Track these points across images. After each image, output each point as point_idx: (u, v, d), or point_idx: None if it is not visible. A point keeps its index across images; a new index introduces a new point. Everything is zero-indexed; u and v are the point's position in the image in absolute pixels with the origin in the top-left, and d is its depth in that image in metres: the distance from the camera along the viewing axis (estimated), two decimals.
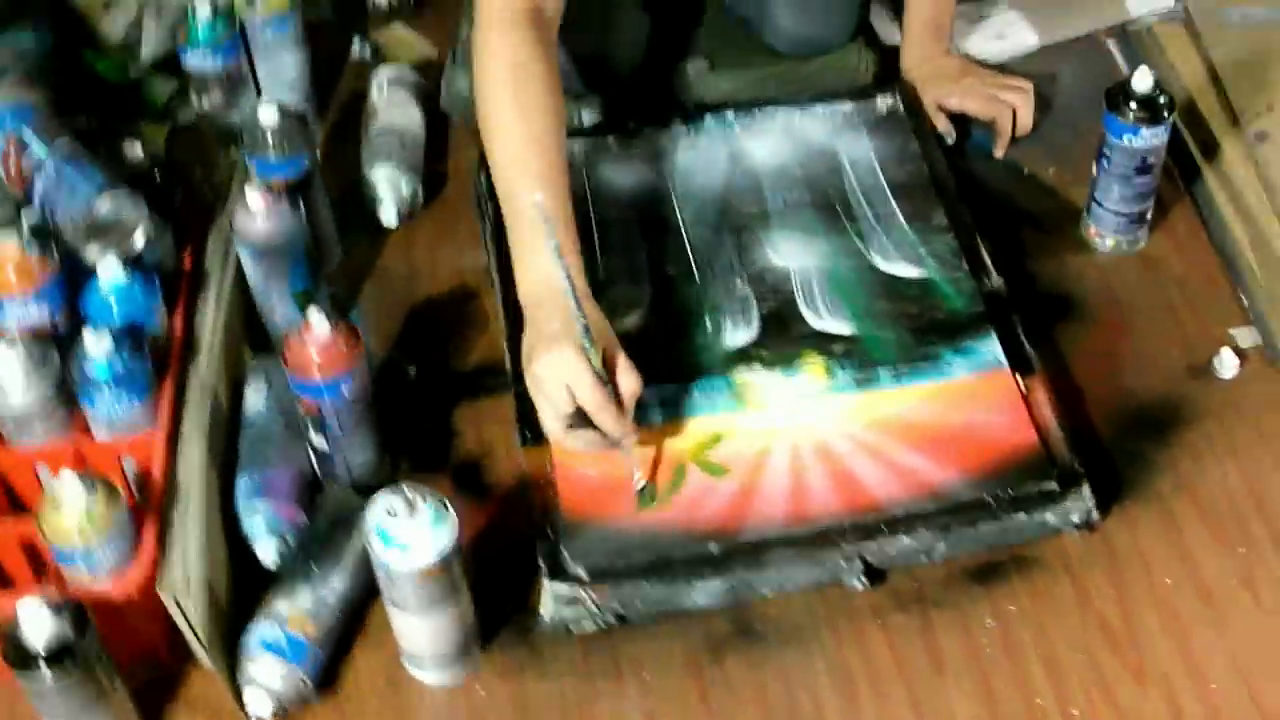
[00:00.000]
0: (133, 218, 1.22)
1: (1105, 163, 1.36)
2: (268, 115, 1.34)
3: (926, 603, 1.18)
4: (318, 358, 1.16)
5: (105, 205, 1.20)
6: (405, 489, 1.06)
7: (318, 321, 1.16)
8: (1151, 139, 1.32)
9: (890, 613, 1.17)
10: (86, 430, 1.20)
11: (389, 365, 1.36)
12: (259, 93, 1.54)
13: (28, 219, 1.24)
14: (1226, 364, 1.31)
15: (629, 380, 1.18)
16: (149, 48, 1.65)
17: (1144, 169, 1.35)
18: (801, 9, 1.49)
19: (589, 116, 1.53)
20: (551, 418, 1.18)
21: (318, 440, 1.22)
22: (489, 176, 1.31)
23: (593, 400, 1.16)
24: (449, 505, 1.07)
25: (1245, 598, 1.17)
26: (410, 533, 1.05)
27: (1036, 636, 1.15)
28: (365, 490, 1.15)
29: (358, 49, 1.68)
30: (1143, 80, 1.31)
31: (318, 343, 1.16)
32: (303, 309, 1.32)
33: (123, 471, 1.19)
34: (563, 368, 1.16)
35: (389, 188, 1.47)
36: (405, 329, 1.40)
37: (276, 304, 1.33)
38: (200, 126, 1.53)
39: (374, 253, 1.47)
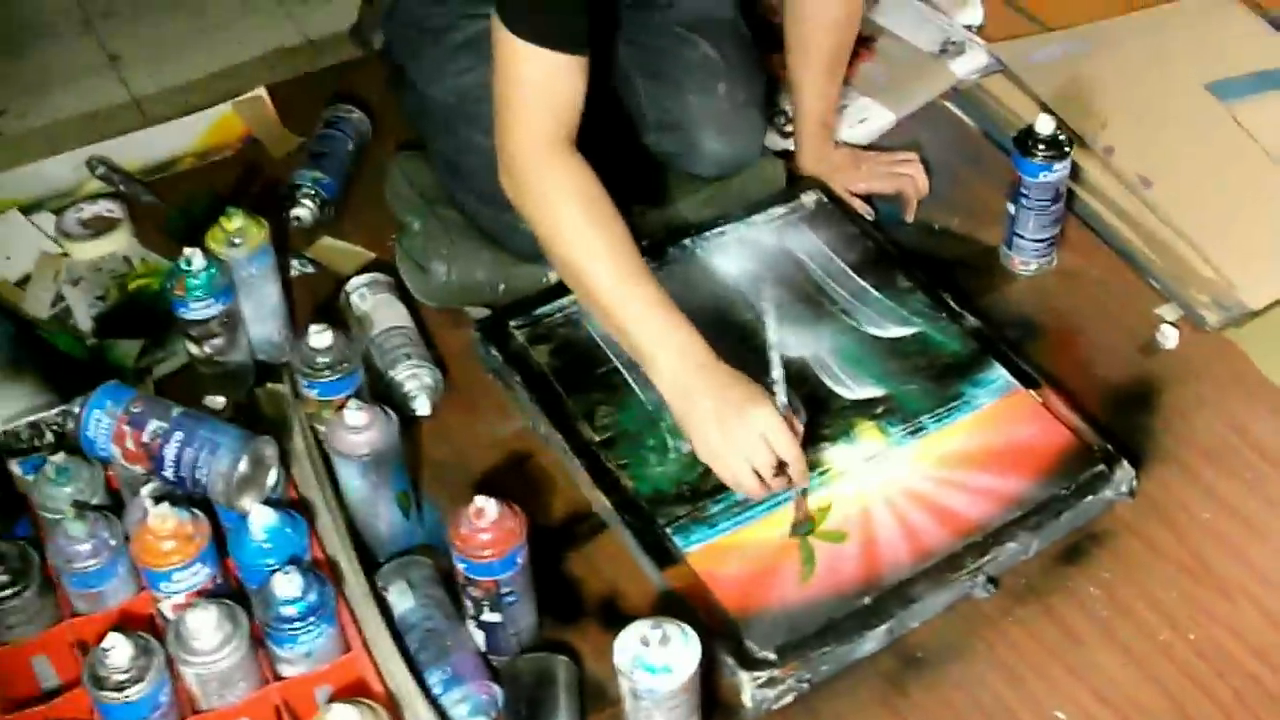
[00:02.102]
0: (269, 460, 1.34)
1: (1024, 200, 1.69)
2: (321, 339, 1.49)
3: (1039, 592, 1.45)
4: (493, 537, 1.32)
5: (252, 455, 1.32)
6: (647, 623, 1.24)
7: (487, 505, 1.32)
8: (1061, 171, 1.67)
9: (1015, 609, 1.43)
10: (274, 672, 1.31)
11: None
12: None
13: (157, 488, 1.34)
14: (1169, 337, 1.66)
15: (796, 425, 1.43)
16: (81, 316, 1.75)
17: (1056, 199, 1.69)
18: (721, 132, 1.75)
19: (553, 276, 1.74)
20: (747, 474, 1.42)
21: (491, 616, 1.37)
22: (494, 339, 1.52)
23: (795, 452, 1.41)
24: (685, 625, 1.25)
25: (1267, 508, 1.51)
26: (668, 656, 1.23)
27: (1134, 590, 1.44)
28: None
29: (298, 267, 1.82)
30: (1045, 125, 1.66)
31: (491, 523, 1.32)
32: (404, 509, 1.48)
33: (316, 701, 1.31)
34: (763, 423, 1.41)
35: (416, 383, 1.62)
36: None
37: (382, 510, 1.46)
38: (204, 370, 1.63)
39: (415, 444, 1.62)
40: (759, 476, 1.44)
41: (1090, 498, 1.48)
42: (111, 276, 1.81)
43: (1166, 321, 1.68)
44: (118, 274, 1.82)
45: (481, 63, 1.67)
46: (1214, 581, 1.45)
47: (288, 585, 1.27)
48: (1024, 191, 1.68)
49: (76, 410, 1.43)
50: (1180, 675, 1.38)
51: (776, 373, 1.48)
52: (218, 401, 1.45)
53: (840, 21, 1.73)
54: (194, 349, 1.62)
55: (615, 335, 1.51)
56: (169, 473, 1.34)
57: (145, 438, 1.34)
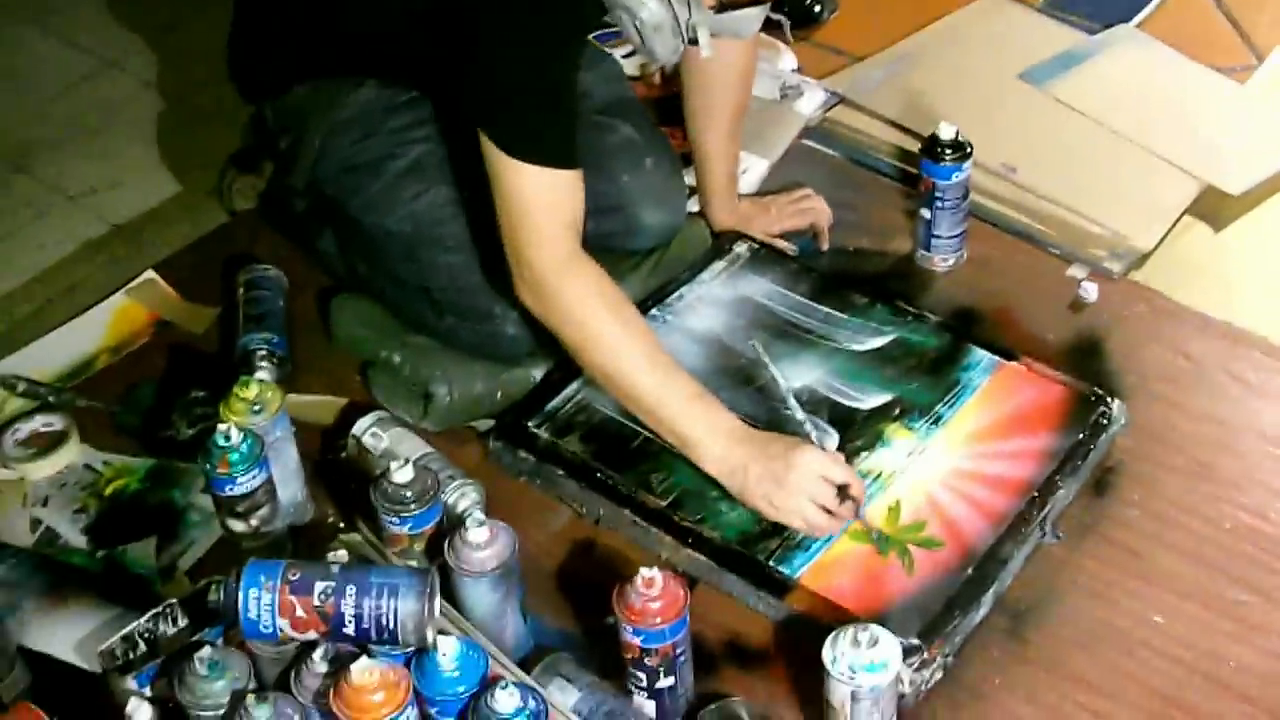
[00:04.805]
0: (437, 590, 1.44)
1: (938, 203, 1.97)
2: (404, 475, 1.59)
3: (1090, 526, 1.72)
4: (663, 604, 1.46)
5: (432, 589, 1.41)
6: (848, 630, 1.42)
7: (655, 574, 1.46)
8: (968, 170, 1.96)
9: (1079, 545, 1.69)
10: None
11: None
12: None
13: (327, 650, 1.42)
14: (1090, 291, 1.98)
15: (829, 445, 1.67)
16: (70, 534, 1.76)
17: (964, 196, 1.98)
18: (658, 204, 1.95)
19: (538, 373, 1.89)
20: (817, 515, 1.62)
21: (665, 681, 1.50)
22: (518, 443, 1.74)
23: (849, 474, 1.62)
24: (873, 625, 1.44)
25: (1234, 410, 1.85)
26: (879, 653, 1.41)
27: (1161, 501, 1.74)
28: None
29: None
30: (947, 130, 1.95)
31: (662, 591, 1.46)
32: (525, 614, 1.60)
33: None
34: (811, 464, 1.61)
35: (468, 500, 1.72)
36: (578, 599, 1.68)
37: (509, 620, 1.57)
38: (248, 545, 1.68)
39: None
40: (827, 511, 1.64)
41: (1104, 435, 1.76)
42: (80, 488, 1.82)
43: (1083, 279, 2.00)
44: (85, 484, 1.83)
45: (430, 185, 1.83)
46: (1217, 475, 1.77)
47: (509, 700, 1.37)
48: (938, 195, 1.97)
49: (174, 610, 1.48)
50: (1227, 556, 1.68)
51: (800, 414, 1.70)
52: (341, 555, 1.52)
53: (741, 79, 1.97)
54: (239, 525, 1.67)
55: (654, 426, 1.70)
56: (349, 629, 1.40)
57: (316, 601, 1.40)
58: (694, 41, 1.62)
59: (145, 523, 1.77)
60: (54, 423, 1.88)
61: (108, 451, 1.86)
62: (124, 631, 1.52)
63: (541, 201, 1.64)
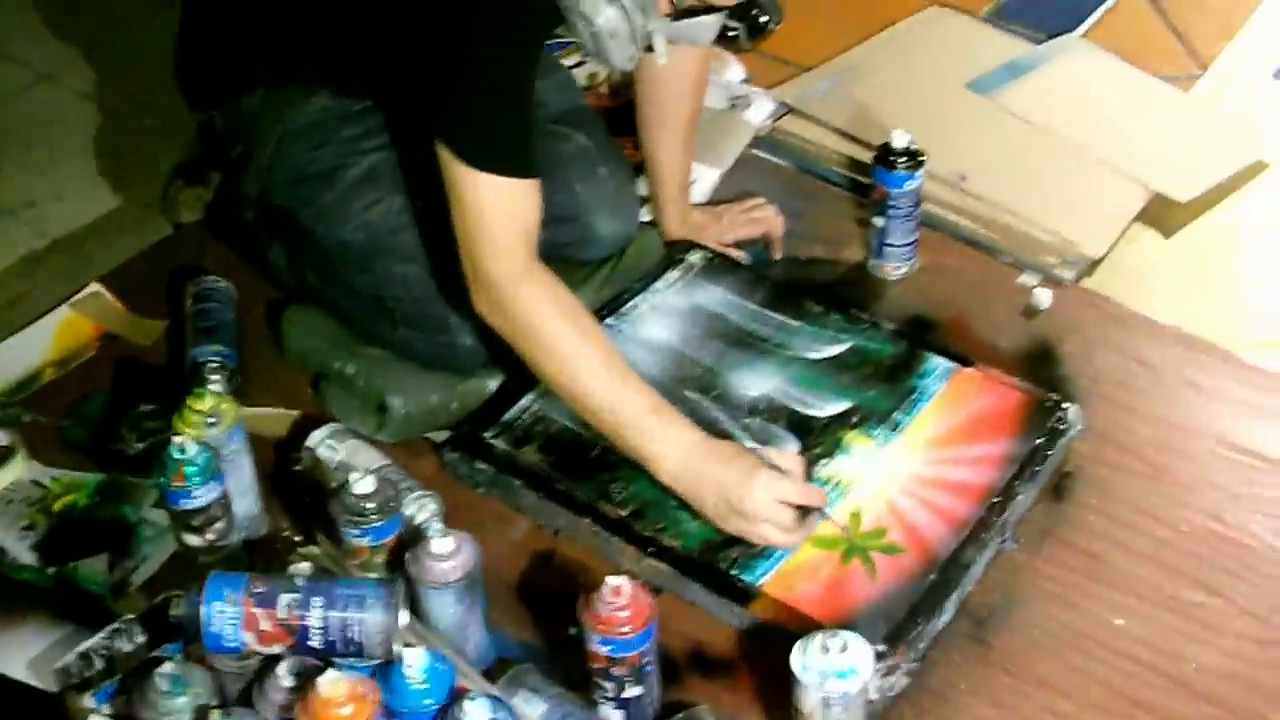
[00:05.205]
0: (404, 601, 1.43)
1: (892, 211, 1.99)
2: (365, 486, 1.57)
3: (1048, 531, 1.73)
4: (631, 613, 1.46)
5: (398, 600, 1.40)
6: (817, 637, 1.43)
7: (622, 583, 1.46)
8: (921, 178, 1.98)
9: (1038, 550, 1.71)
10: None
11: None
12: None
13: (294, 664, 1.40)
14: (1043, 299, 2.01)
15: (790, 462, 1.66)
16: (19, 551, 1.73)
17: (917, 203, 2.00)
18: (613, 213, 1.95)
19: (493, 384, 1.88)
20: (779, 532, 1.62)
21: (633, 690, 1.50)
22: (475, 454, 1.73)
23: (805, 493, 1.62)
24: (841, 630, 1.45)
25: (1187, 413, 1.88)
26: (850, 659, 1.42)
27: (1118, 505, 1.76)
28: None
29: None
30: (900, 138, 1.97)
31: (629, 600, 1.46)
32: (489, 624, 1.59)
33: None
34: (768, 493, 1.60)
35: (426, 512, 1.70)
36: (539, 610, 1.67)
37: (473, 631, 1.57)
38: (204, 560, 1.66)
39: None
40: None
41: (1061, 440, 1.78)
42: (27, 504, 1.79)
43: (1035, 286, 2.02)
44: (33, 500, 1.80)
45: (385, 195, 1.82)
46: (1172, 478, 1.79)
47: (478, 712, 1.36)
48: (891, 203, 1.99)
49: (131, 626, 1.47)
50: (1184, 558, 1.70)
51: (748, 443, 1.66)
52: (304, 568, 1.51)
53: (694, 88, 1.98)
54: (194, 539, 1.65)
55: (611, 438, 1.69)
56: (315, 641, 1.39)
57: (281, 614, 1.39)
58: (650, 49, 1.63)
59: (96, 539, 1.74)
60: None
61: (55, 467, 1.84)
62: (80, 649, 1.50)
63: (499, 211, 1.64)
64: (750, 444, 1.66)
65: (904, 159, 1.97)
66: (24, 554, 1.73)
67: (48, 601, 1.65)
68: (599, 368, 1.66)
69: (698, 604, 1.65)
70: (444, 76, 1.61)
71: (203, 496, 1.61)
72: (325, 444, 1.79)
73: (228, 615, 1.40)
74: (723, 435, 1.68)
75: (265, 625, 1.40)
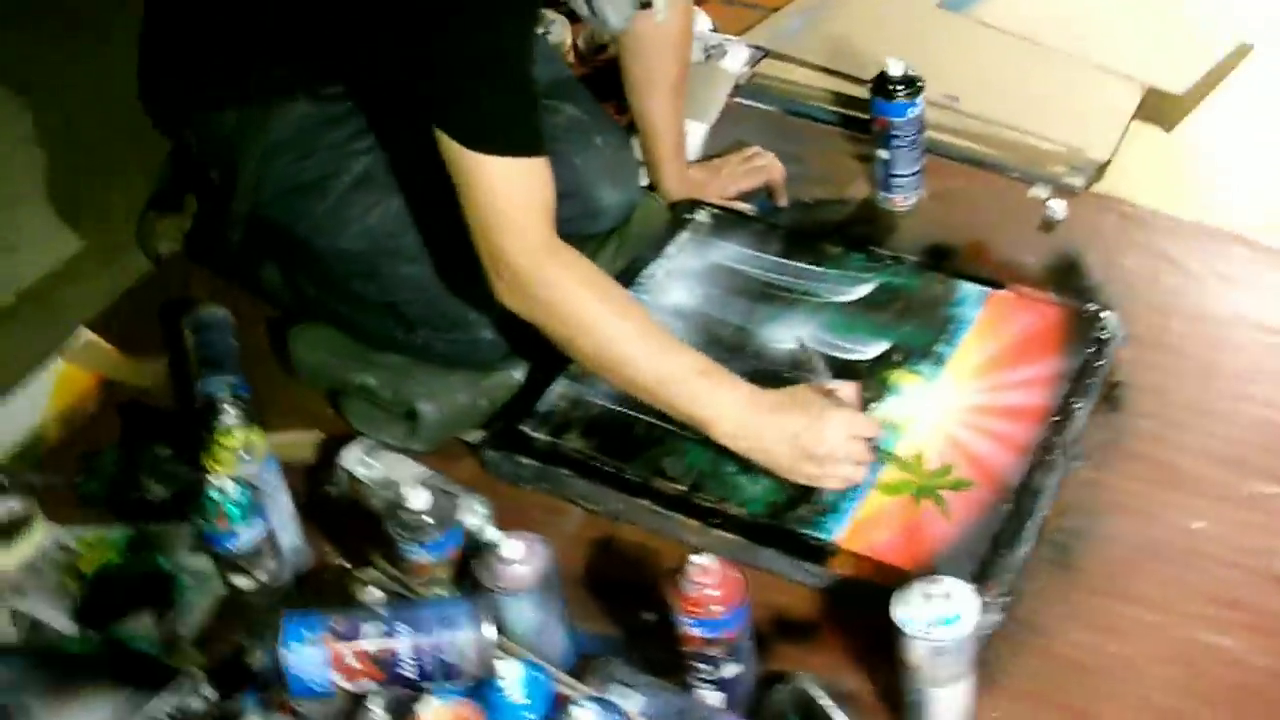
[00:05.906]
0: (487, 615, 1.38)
1: (895, 141, 1.95)
2: (420, 500, 1.52)
3: (1110, 444, 1.70)
4: (723, 591, 1.42)
5: (488, 616, 1.35)
6: (917, 586, 1.39)
7: (708, 561, 1.41)
8: (921, 105, 1.94)
9: (1104, 465, 1.68)
10: None
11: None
12: None
13: (389, 695, 1.35)
14: (1058, 210, 1.98)
15: (850, 392, 1.65)
16: (57, 621, 1.67)
17: (920, 131, 1.96)
18: (614, 182, 1.90)
19: (519, 375, 1.83)
20: (851, 468, 1.59)
21: (731, 670, 1.46)
22: (517, 450, 1.69)
23: (876, 426, 1.60)
24: (941, 576, 1.41)
25: (1226, 304, 1.86)
26: (954, 605, 1.38)
27: (1172, 407, 1.74)
28: None
29: None
30: (896, 66, 1.93)
31: (719, 579, 1.41)
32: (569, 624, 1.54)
33: None
34: (842, 431, 1.58)
35: (478, 517, 1.65)
36: (608, 600, 1.63)
37: (553, 632, 1.52)
38: (256, 602, 1.60)
39: None
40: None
41: (1107, 349, 1.76)
42: (57, 569, 1.72)
43: (1048, 198, 1.99)
44: (62, 565, 1.73)
45: (381, 197, 1.76)
46: (1220, 372, 1.78)
47: (588, 718, 1.32)
48: (895, 133, 1.95)
49: (195, 682, 1.42)
50: (1252, 450, 1.68)
51: (819, 364, 1.67)
52: (377, 595, 1.45)
53: (681, 41, 1.92)
54: (244, 582, 1.59)
55: (661, 408, 1.64)
56: (407, 670, 1.34)
57: (368, 647, 1.34)
58: (646, 5, 1.57)
59: (135, 595, 1.67)
60: (15, 508, 1.77)
61: (77, 526, 1.77)
62: (148, 713, 1.45)
63: (513, 193, 1.58)
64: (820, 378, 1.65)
65: (902, 87, 1.93)
66: (62, 623, 1.66)
67: (100, 669, 1.58)
68: (638, 339, 1.61)
69: (772, 570, 1.60)
70: (438, 59, 1.54)
71: (247, 536, 1.56)
72: (360, 461, 1.73)
73: (311, 656, 1.35)
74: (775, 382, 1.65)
75: (352, 661, 1.35)
